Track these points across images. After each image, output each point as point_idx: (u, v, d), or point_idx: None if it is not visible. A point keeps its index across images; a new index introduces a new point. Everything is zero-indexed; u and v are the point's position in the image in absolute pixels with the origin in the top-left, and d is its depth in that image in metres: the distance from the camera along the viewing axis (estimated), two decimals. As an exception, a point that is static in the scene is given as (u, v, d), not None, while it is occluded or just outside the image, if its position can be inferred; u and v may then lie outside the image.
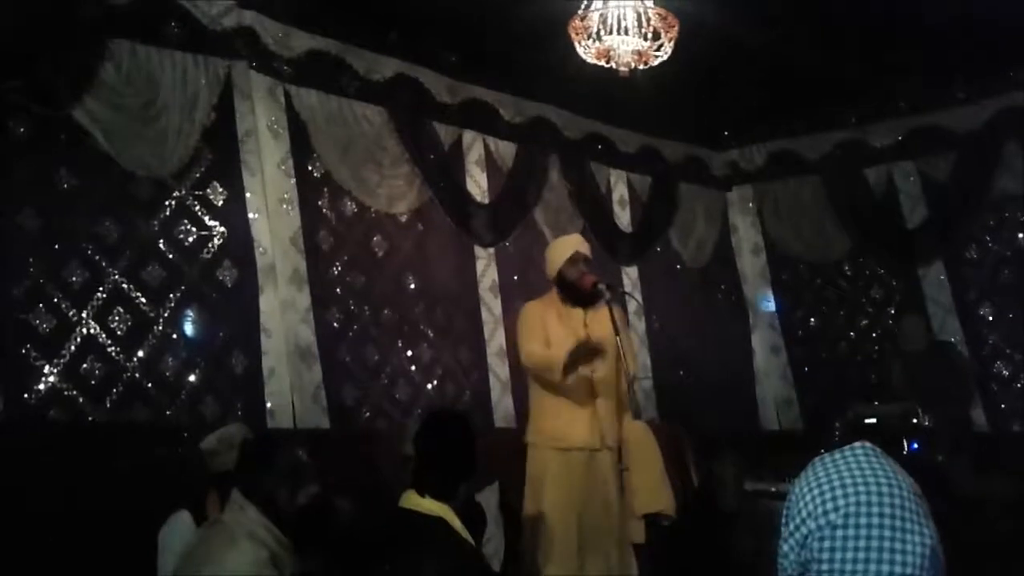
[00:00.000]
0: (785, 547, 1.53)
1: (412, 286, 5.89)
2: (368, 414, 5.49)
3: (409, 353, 5.79)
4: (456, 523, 2.84)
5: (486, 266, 6.28)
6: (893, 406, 6.12)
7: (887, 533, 1.43)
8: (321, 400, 5.12)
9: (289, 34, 5.17)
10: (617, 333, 4.30)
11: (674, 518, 4.52)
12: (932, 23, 5.39)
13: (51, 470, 3.82)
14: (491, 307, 6.22)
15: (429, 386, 5.86)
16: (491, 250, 6.31)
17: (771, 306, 8.14)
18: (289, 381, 5.00)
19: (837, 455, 1.55)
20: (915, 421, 5.56)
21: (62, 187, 4.37)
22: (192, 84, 4.70)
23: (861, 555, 1.43)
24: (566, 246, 4.58)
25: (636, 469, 4.73)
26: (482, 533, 4.05)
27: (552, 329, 4.39)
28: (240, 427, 3.76)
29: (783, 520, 1.55)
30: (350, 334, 5.49)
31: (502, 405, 6.09)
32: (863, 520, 1.44)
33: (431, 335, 5.93)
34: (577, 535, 4.18)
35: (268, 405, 4.91)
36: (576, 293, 4.42)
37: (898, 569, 1.42)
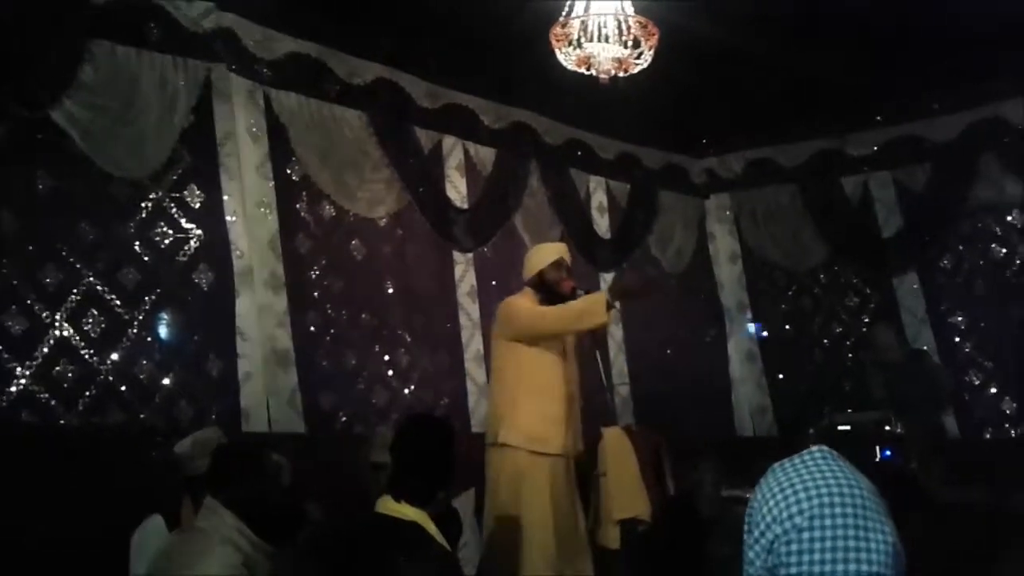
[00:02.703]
0: (751, 554, 1.55)
1: (390, 291, 5.89)
2: (344, 419, 5.47)
3: (387, 358, 5.78)
4: (432, 528, 2.83)
5: (464, 271, 6.28)
6: (867, 414, 6.17)
7: (851, 532, 1.46)
8: (297, 404, 5.09)
9: (269, 37, 5.16)
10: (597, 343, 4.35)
11: (649, 523, 4.54)
12: (909, 35, 5.45)
13: (22, 473, 3.78)
14: (469, 312, 6.21)
15: (406, 391, 5.85)
16: (470, 255, 6.31)
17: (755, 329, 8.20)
18: (265, 385, 4.97)
19: (796, 460, 1.57)
20: (888, 428, 5.60)
21: (38, 188, 4.33)
22: (171, 86, 4.68)
23: (828, 556, 1.45)
24: (553, 250, 4.58)
25: (612, 474, 4.74)
26: (458, 539, 4.04)
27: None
28: (215, 431, 3.74)
29: (746, 528, 1.56)
30: (327, 338, 5.47)
31: (479, 410, 6.08)
32: (827, 521, 1.46)
33: (409, 340, 5.92)
34: (554, 540, 4.17)
35: (243, 409, 4.88)
36: (554, 297, 4.42)
37: (864, 567, 1.45)
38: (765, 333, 8.14)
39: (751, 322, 8.19)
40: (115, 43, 4.47)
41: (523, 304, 4.40)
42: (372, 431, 5.18)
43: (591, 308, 4.17)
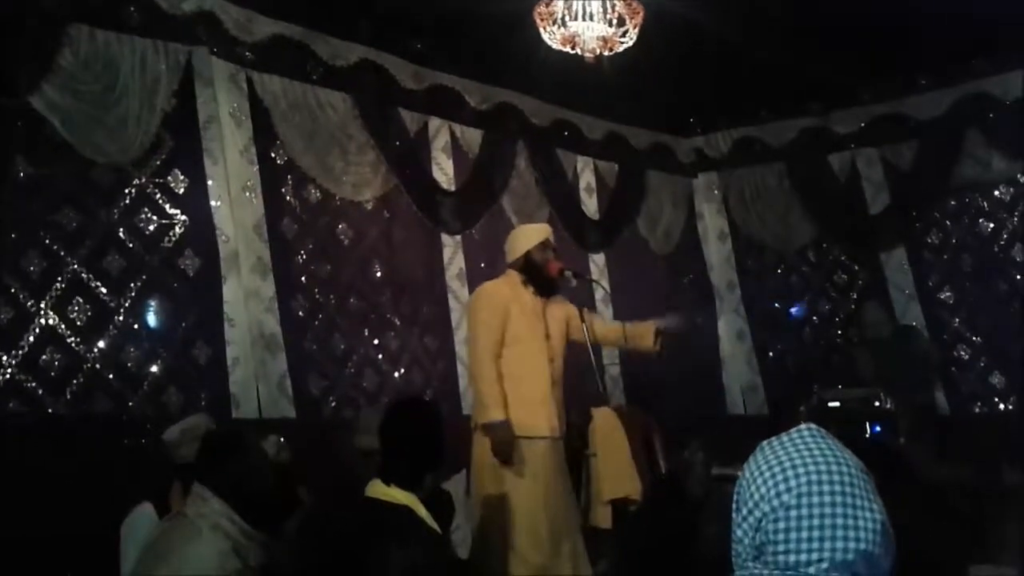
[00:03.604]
0: (739, 532, 1.55)
1: (378, 274, 5.86)
2: (334, 403, 5.46)
3: (376, 341, 5.76)
4: (422, 512, 2.82)
5: (453, 254, 6.26)
6: (856, 390, 6.21)
7: (840, 510, 1.46)
8: (287, 389, 5.08)
9: (251, 19, 5.11)
10: (583, 320, 4.34)
11: (640, 503, 4.55)
12: (894, 12, 5.43)
13: (10, 463, 3.77)
14: (458, 295, 6.20)
15: (396, 375, 5.83)
16: (458, 238, 6.29)
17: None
18: (254, 371, 4.95)
19: (784, 438, 1.57)
20: (877, 405, 5.63)
21: (19, 175, 4.29)
22: (152, 70, 4.63)
23: (816, 533, 1.45)
24: (538, 231, 4.53)
25: (603, 455, 4.75)
26: (450, 521, 4.04)
27: (514, 320, 4.33)
28: (204, 418, 3.74)
29: (734, 506, 1.57)
30: (316, 323, 5.45)
31: (469, 393, 6.06)
32: (816, 499, 1.46)
33: (398, 323, 5.90)
34: (547, 524, 4.17)
35: (233, 395, 4.86)
36: (540, 279, 4.39)
37: (852, 545, 1.45)
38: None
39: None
40: (94, 27, 4.42)
41: (486, 308, 4.34)
42: (354, 416, 5.18)
43: (481, 412, 4.18)
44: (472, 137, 6.45)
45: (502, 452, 4.11)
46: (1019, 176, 7.00)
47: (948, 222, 7.32)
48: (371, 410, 4.93)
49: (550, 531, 4.16)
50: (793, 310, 8.07)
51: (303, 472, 3.89)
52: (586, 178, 7.46)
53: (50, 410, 4.27)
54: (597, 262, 7.35)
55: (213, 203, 4.92)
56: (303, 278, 5.43)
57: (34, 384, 4.23)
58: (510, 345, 4.28)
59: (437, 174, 6.23)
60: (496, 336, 4.25)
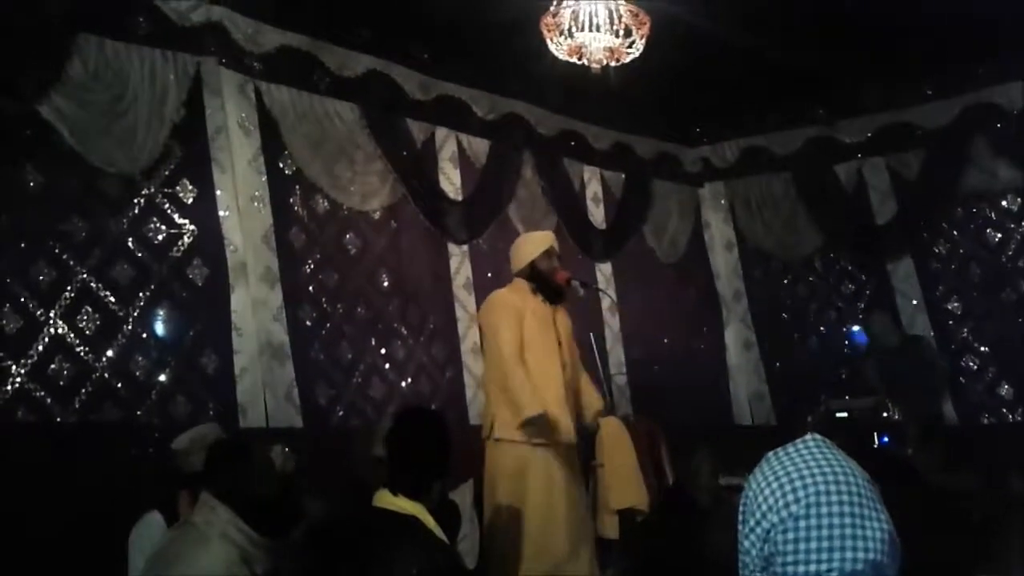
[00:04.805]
0: (747, 543, 1.55)
1: (385, 284, 5.87)
2: (341, 412, 5.46)
3: (383, 351, 5.76)
4: (430, 521, 2.82)
5: (460, 263, 6.26)
6: (864, 400, 6.18)
7: (848, 520, 1.46)
8: (294, 399, 5.08)
9: (259, 30, 5.13)
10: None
11: (647, 513, 4.54)
12: (901, 20, 5.44)
13: (19, 472, 3.78)
14: (465, 304, 6.20)
15: (403, 384, 5.83)
16: (465, 247, 6.29)
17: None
18: (261, 380, 4.96)
19: (790, 448, 1.57)
20: (885, 415, 5.60)
21: (28, 184, 4.31)
22: (161, 80, 4.65)
23: (825, 544, 1.45)
24: (543, 239, 4.56)
25: (610, 464, 4.74)
26: (457, 531, 4.05)
27: (528, 326, 4.35)
28: (212, 427, 3.75)
29: (740, 517, 1.56)
30: (323, 332, 5.46)
31: (477, 403, 6.07)
32: (824, 509, 1.46)
33: (405, 333, 5.90)
34: (565, 529, 4.17)
35: (240, 404, 4.87)
36: (548, 287, 4.41)
37: (861, 555, 1.45)
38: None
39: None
40: (103, 37, 4.45)
41: (504, 311, 4.38)
42: (370, 424, 5.18)
43: (518, 411, 4.23)
44: (479, 147, 6.46)
45: (549, 435, 4.16)
46: (1026, 186, 7.00)
47: (955, 231, 7.31)
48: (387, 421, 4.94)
49: (566, 538, 4.17)
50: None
51: (308, 482, 3.89)
52: (593, 187, 7.46)
53: (59, 419, 4.28)
54: (604, 271, 7.35)
55: (221, 213, 4.94)
56: (311, 287, 5.44)
57: (43, 393, 4.24)
58: (525, 351, 4.31)
59: (444, 184, 6.24)
60: (517, 339, 4.31)
